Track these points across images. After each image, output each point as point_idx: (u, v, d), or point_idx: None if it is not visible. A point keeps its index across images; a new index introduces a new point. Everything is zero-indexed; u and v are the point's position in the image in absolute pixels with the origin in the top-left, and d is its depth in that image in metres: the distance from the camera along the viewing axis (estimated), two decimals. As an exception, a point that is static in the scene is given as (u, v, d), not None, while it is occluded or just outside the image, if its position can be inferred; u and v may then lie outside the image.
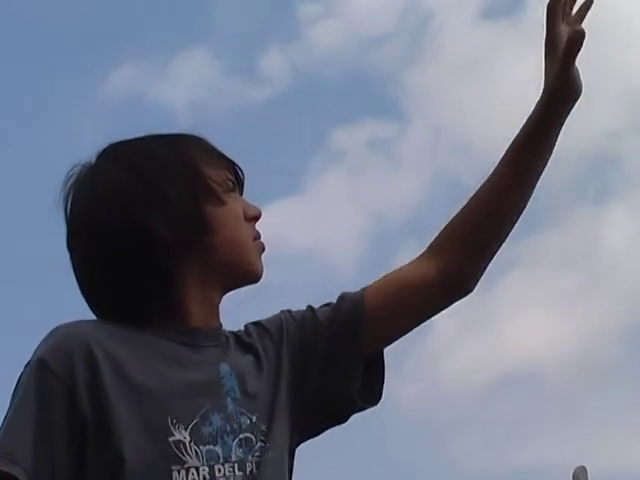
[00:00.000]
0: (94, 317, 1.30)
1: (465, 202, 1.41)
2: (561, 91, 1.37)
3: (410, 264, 1.42)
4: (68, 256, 1.32)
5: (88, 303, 1.31)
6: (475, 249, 1.41)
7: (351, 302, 1.37)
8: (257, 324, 1.37)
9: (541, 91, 1.39)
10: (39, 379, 1.18)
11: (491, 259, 1.42)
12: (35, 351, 1.21)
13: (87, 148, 1.35)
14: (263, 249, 1.35)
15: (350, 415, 1.37)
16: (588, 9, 1.38)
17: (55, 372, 1.17)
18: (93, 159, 1.34)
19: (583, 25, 1.34)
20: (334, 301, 1.39)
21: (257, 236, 1.35)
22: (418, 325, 1.41)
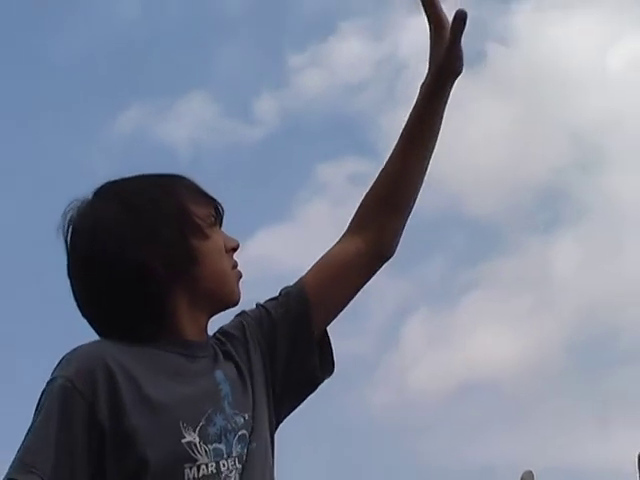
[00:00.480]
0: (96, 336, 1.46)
1: (374, 180, 1.63)
2: (449, 66, 1.58)
3: (338, 245, 1.62)
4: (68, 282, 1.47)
5: (90, 324, 1.47)
6: (391, 215, 1.61)
7: (295, 297, 1.56)
8: (224, 333, 1.54)
9: (428, 69, 1.59)
10: (64, 397, 1.33)
11: (405, 222, 1.62)
12: (57, 370, 1.37)
13: (97, 179, 1.53)
14: (240, 276, 1.53)
15: (315, 389, 1.57)
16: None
17: (80, 391, 1.32)
18: (90, 196, 1.50)
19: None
20: (279, 295, 1.58)
21: (235, 265, 1.52)
22: (355, 295, 1.61)
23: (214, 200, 1.55)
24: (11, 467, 1.34)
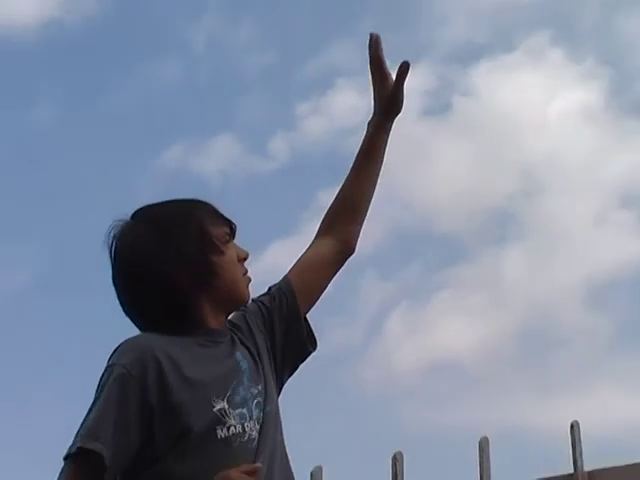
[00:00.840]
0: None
1: (335, 195, 1.98)
2: (393, 107, 1.97)
3: (312, 248, 1.96)
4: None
5: (135, 323, 1.75)
6: (351, 222, 1.96)
7: (285, 290, 1.88)
8: (233, 324, 1.82)
9: (375, 110, 1.97)
10: (121, 381, 1.59)
11: (362, 226, 1.97)
12: (115, 357, 1.64)
13: (143, 202, 1.85)
14: (250, 281, 1.83)
15: (306, 359, 1.90)
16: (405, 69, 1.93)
17: (134, 376, 1.59)
18: (129, 217, 1.79)
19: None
20: (269, 290, 1.90)
21: (245, 272, 1.82)
22: (328, 284, 1.95)
23: (228, 220, 1.83)
24: (77, 436, 1.59)
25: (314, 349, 1.92)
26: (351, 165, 2.02)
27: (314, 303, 1.95)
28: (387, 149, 2.01)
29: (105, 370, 1.63)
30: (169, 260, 1.73)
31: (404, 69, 1.97)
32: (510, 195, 12.53)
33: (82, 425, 1.59)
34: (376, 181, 2.02)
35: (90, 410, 1.60)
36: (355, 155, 2.02)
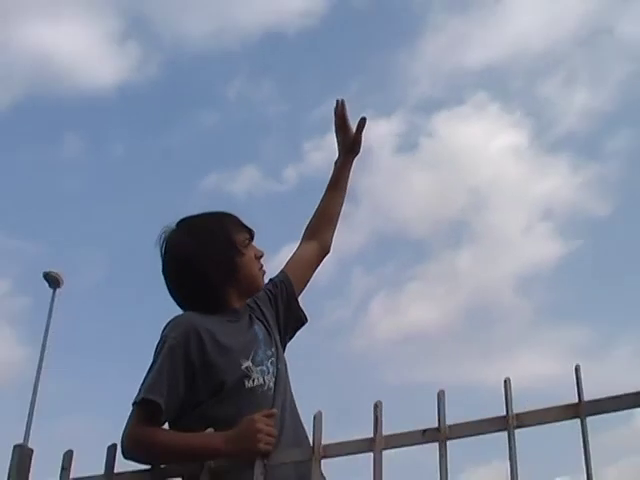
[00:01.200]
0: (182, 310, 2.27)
1: (315, 210, 2.57)
2: (354, 152, 2.60)
3: (300, 249, 2.55)
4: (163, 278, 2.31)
5: (178, 304, 2.29)
6: (328, 228, 2.55)
7: (284, 281, 2.47)
8: (249, 306, 2.39)
9: (340, 154, 2.60)
10: (172, 349, 2.11)
11: (334, 232, 2.55)
12: (167, 330, 2.15)
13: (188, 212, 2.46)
14: (264, 273, 2.41)
15: (302, 327, 2.46)
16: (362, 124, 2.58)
17: (180, 343, 2.12)
18: (174, 225, 2.35)
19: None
20: (272, 281, 2.47)
21: (261, 267, 2.39)
22: (313, 274, 2.56)
23: (248, 228, 2.37)
24: (140, 389, 2.07)
25: (307, 321, 2.46)
26: (324, 191, 2.60)
27: (304, 288, 2.50)
28: (350, 179, 2.57)
29: (160, 340, 2.14)
30: (204, 259, 2.21)
31: (363, 123, 2.59)
32: (462, 209, 19.91)
33: (144, 381, 2.08)
34: (343, 202, 2.60)
35: (150, 370, 2.10)
36: (327, 184, 2.60)
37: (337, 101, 2.61)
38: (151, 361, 2.14)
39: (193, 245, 2.26)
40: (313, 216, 2.62)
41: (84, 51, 22.99)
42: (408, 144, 22.64)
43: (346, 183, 2.63)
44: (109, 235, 21.56)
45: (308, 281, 2.57)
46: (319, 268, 2.57)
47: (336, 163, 2.63)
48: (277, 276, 2.53)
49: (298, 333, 2.52)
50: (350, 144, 2.59)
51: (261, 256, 2.38)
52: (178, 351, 2.10)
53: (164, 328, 2.18)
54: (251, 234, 2.39)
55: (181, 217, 2.36)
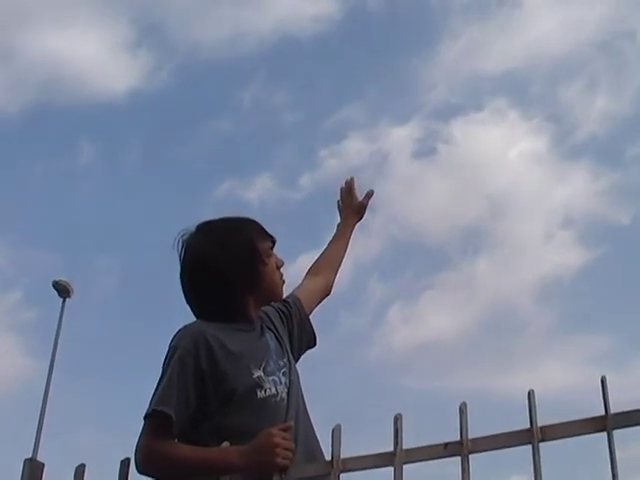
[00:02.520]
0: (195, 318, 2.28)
1: (321, 254, 2.69)
2: (359, 217, 2.76)
3: (307, 280, 2.63)
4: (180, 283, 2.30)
5: (192, 311, 2.29)
6: (332, 271, 2.66)
7: (297, 303, 2.51)
8: (260, 316, 2.40)
9: (343, 217, 2.77)
10: (182, 358, 2.13)
11: (337, 274, 2.65)
12: (177, 340, 2.16)
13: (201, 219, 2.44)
14: (284, 283, 2.44)
15: (312, 347, 2.51)
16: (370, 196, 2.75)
17: (190, 352, 2.13)
18: (194, 228, 2.36)
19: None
20: (285, 301, 2.51)
21: (281, 276, 2.42)
22: (315, 308, 2.64)
23: (271, 236, 2.38)
24: (152, 401, 2.09)
25: (315, 344, 2.53)
26: (329, 243, 2.74)
27: (311, 312, 2.58)
28: (352, 238, 2.73)
29: (169, 350, 2.16)
30: (226, 266, 2.22)
31: (371, 194, 2.75)
32: (480, 216, 19.98)
33: (154, 393, 2.11)
34: (345, 254, 2.73)
35: (160, 381, 2.12)
36: (331, 239, 2.73)
37: (346, 181, 2.86)
38: (160, 372, 2.15)
39: (216, 250, 2.27)
40: (317, 260, 2.74)
41: (96, 58, 23.25)
42: (425, 150, 23.11)
43: (349, 241, 2.80)
44: (123, 244, 22.01)
45: (314, 309, 2.66)
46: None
47: (338, 226, 2.82)
48: (289, 297, 2.56)
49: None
50: (357, 209, 2.81)
51: (281, 265, 2.41)
52: (188, 360, 2.12)
53: (172, 338, 2.19)
54: (273, 242, 2.40)
55: (201, 221, 2.36)
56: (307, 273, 2.69)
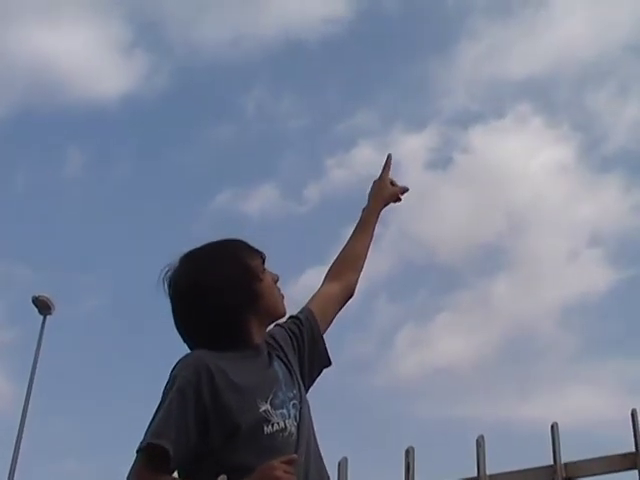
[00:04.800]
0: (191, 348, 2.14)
1: (341, 251, 2.52)
2: (389, 202, 2.62)
3: (323, 288, 2.45)
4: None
5: (190, 347, 2.14)
6: (355, 270, 2.49)
7: (310, 317, 2.34)
8: (265, 341, 2.20)
9: (374, 199, 2.62)
10: (182, 388, 1.98)
11: (359, 276, 2.49)
12: (178, 369, 2.04)
13: (197, 240, 2.27)
14: (284, 297, 2.28)
15: (327, 367, 2.34)
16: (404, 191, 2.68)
17: (191, 382, 2.00)
18: (177, 262, 2.20)
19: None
20: (293, 318, 2.33)
21: (279, 290, 2.26)
22: (336, 315, 2.43)
23: (259, 252, 2.26)
24: (146, 434, 1.96)
25: (330, 364, 2.33)
26: (351, 234, 2.57)
27: (327, 330, 2.38)
28: (377, 226, 2.57)
29: (169, 380, 2.03)
30: (220, 288, 2.10)
31: (405, 190, 2.67)
32: (499, 233, 19.39)
33: (150, 425, 1.97)
34: (370, 245, 2.57)
35: (157, 412, 1.98)
36: (354, 228, 2.57)
37: (389, 155, 2.78)
38: (158, 402, 2.02)
39: (207, 274, 2.16)
40: (337, 258, 2.57)
41: (87, 59, 21.65)
42: (441, 160, 21.04)
43: (374, 229, 2.64)
44: (110, 261, 20.79)
45: (332, 321, 2.46)
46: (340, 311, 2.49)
47: (365, 210, 2.66)
48: (300, 312, 2.41)
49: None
50: (388, 195, 2.68)
51: (277, 280, 2.28)
52: (188, 391, 1.99)
53: (173, 367, 2.08)
54: (263, 258, 2.29)
55: (182, 252, 2.24)
56: (326, 274, 2.53)
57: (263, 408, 2.02)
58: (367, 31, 21.68)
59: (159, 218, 20.01)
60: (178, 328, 2.17)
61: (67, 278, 20.42)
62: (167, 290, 2.18)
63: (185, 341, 2.17)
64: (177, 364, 2.07)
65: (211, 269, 2.16)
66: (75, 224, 20.78)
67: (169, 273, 2.19)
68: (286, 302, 2.31)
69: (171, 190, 20.91)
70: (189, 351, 2.15)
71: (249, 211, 19.68)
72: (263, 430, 1.99)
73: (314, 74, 21.66)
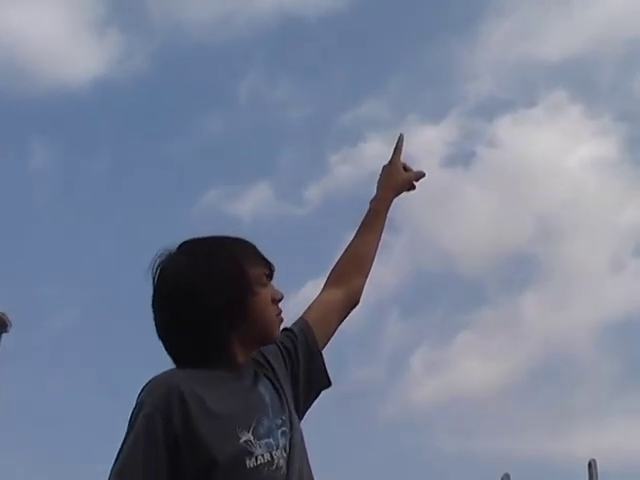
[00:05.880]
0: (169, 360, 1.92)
1: (345, 251, 2.30)
2: (403, 190, 2.41)
3: (323, 296, 2.25)
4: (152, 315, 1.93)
5: (167, 351, 1.93)
6: (360, 273, 2.28)
7: (305, 330, 2.14)
8: (254, 359, 2.00)
9: (384, 188, 2.39)
10: (148, 417, 1.79)
11: (366, 280, 2.28)
12: (144, 395, 1.83)
13: (185, 237, 2.00)
14: (282, 321, 2.05)
15: (327, 388, 2.13)
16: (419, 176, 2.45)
17: (160, 410, 1.79)
18: (175, 249, 1.98)
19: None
20: (287, 330, 2.12)
21: (279, 312, 2.03)
22: (337, 328, 2.23)
23: (268, 262, 2.01)
24: (111, 474, 1.77)
25: (330, 384, 2.11)
26: (356, 230, 2.32)
27: (327, 343, 2.16)
28: (388, 220, 2.35)
29: (135, 406, 1.82)
30: (208, 295, 1.87)
31: (421, 175, 2.44)
32: (529, 240, 16.93)
33: (115, 462, 1.78)
34: (378, 244, 2.33)
35: (122, 447, 1.79)
36: (360, 223, 2.33)
37: (401, 135, 2.48)
38: (125, 433, 1.82)
39: (196, 274, 1.92)
40: (340, 259, 2.32)
41: (56, 39, 20.13)
42: (462, 155, 19.41)
43: (384, 223, 2.38)
44: (79, 270, 18.24)
45: (332, 334, 2.24)
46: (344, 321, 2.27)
47: (373, 202, 2.41)
48: (294, 324, 2.19)
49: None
50: (401, 182, 2.43)
51: (280, 299, 2.04)
52: (157, 420, 1.79)
53: (141, 391, 1.86)
54: (270, 270, 2.04)
55: (184, 239, 2.01)
56: (327, 278, 2.30)
57: (244, 438, 1.80)
58: (377, 6, 19.43)
59: (136, 221, 18.10)
60: (156, 328, 1.95)
61: (27, 293, 17.98)
62: (153, 278, 1.95)
63: (163, 344, 1.95)
64: (145, 387, 1.85)
65: (203, 268, 1.92)
66: (39, 228, 18.46)
67: (161, 258, 1.97)
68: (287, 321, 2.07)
69: (151, 189, 18.71)
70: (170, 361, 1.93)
71: (240, 213, 18.01)
72: (245, 464, 1.78)
73: (315, 56, 19.72)
